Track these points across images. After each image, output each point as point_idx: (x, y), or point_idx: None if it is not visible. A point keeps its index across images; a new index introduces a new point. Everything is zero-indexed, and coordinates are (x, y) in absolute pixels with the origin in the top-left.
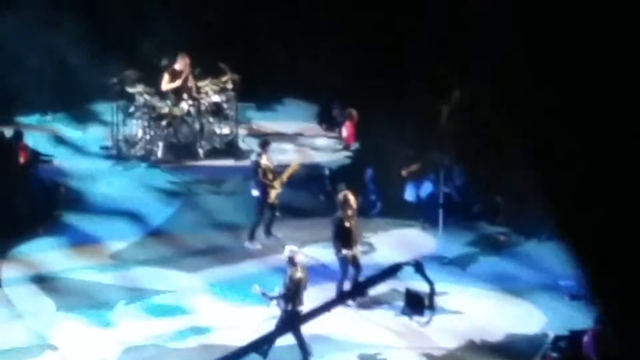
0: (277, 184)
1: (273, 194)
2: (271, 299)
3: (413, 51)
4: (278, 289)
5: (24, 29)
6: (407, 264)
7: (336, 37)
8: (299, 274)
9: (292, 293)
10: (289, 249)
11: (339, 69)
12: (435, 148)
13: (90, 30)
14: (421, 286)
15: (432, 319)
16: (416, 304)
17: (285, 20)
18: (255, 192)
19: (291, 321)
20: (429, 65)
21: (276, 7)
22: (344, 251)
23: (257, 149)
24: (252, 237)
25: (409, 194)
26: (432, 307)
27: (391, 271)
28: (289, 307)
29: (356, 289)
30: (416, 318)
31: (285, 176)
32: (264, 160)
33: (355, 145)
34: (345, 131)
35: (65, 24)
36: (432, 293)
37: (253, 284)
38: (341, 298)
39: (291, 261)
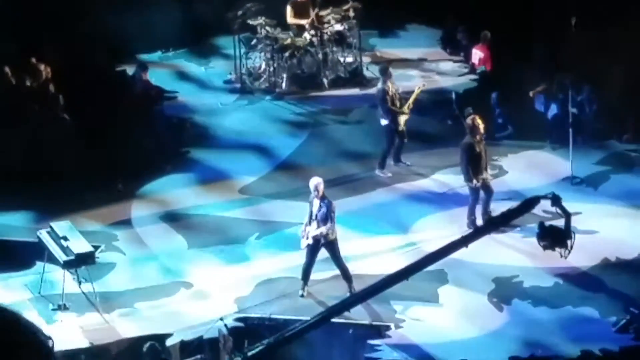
0: (405, 109)
1: (402, 120)
2: (324, 232)
3: None
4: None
5: None
6: (544, 197)
7: None
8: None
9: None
10: (315, 181)
11: None
12: (562, 68)
13: None
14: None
15: (572, 248)
16: (555, 235)
17: None
18: (384, 121)
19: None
20: None
21: None
22: (474, 176)
23: (379, 76)
24: (382, 165)
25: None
26: (570, 236)
27: (528, 204)
28: (334, 235)
29: (493, 224)
30: (558, 250)
31: (411, 101)
32: (389, 88)
33: (481, 68)
34: (479, 53)
35: None
36: (569, 223)
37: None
38: (476, 234)
39: (319, 191)
